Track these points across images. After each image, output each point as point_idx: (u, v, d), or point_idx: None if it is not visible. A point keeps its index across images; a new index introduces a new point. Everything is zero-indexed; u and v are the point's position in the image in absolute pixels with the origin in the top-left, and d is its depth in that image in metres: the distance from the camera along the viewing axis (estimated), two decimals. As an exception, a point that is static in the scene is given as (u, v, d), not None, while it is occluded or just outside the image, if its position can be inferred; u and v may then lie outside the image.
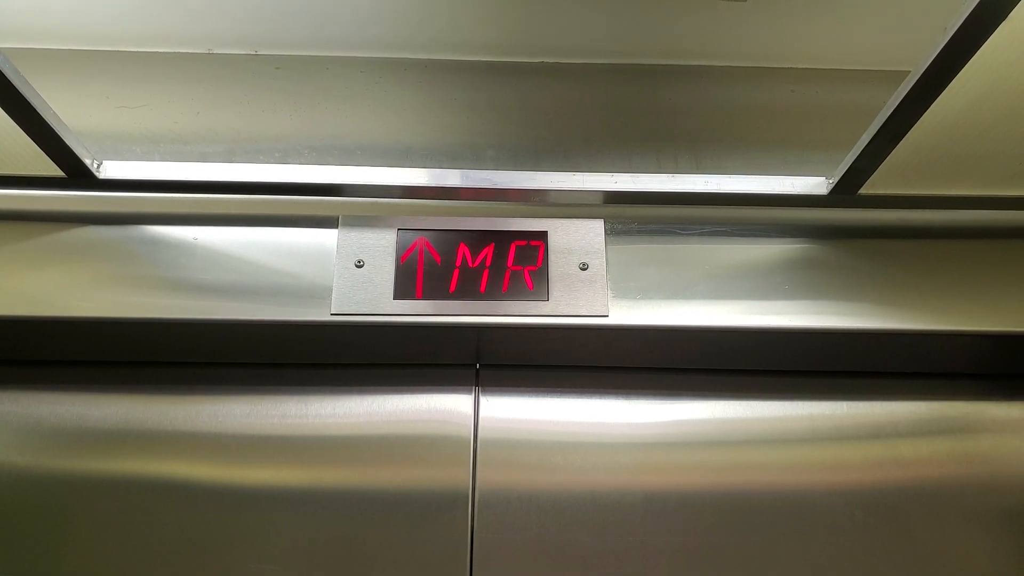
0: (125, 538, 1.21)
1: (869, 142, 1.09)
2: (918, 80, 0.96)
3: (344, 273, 1.21)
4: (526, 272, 1.23)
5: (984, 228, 1.29)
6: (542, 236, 1.26)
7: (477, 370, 1.35)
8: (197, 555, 1.21)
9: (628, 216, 1.29)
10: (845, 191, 1.23)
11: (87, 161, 1.18)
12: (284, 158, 1.34)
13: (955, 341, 1.26)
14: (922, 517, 1.28)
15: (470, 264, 1.23)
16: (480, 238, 1.25)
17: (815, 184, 1.26)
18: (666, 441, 1.32)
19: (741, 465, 1.31)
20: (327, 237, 1.25)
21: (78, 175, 1.20)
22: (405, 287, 1.21)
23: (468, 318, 1.20)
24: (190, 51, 1.48)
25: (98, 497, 1.24)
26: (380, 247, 1.24)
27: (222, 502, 1.24)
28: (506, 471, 1.28)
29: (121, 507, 1.23)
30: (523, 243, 1.25)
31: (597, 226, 1.27)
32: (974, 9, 0.84)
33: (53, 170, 1.18)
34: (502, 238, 1.25)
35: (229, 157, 1.33)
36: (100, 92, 1.41)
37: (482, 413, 1.32)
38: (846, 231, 1.29)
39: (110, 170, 1.23)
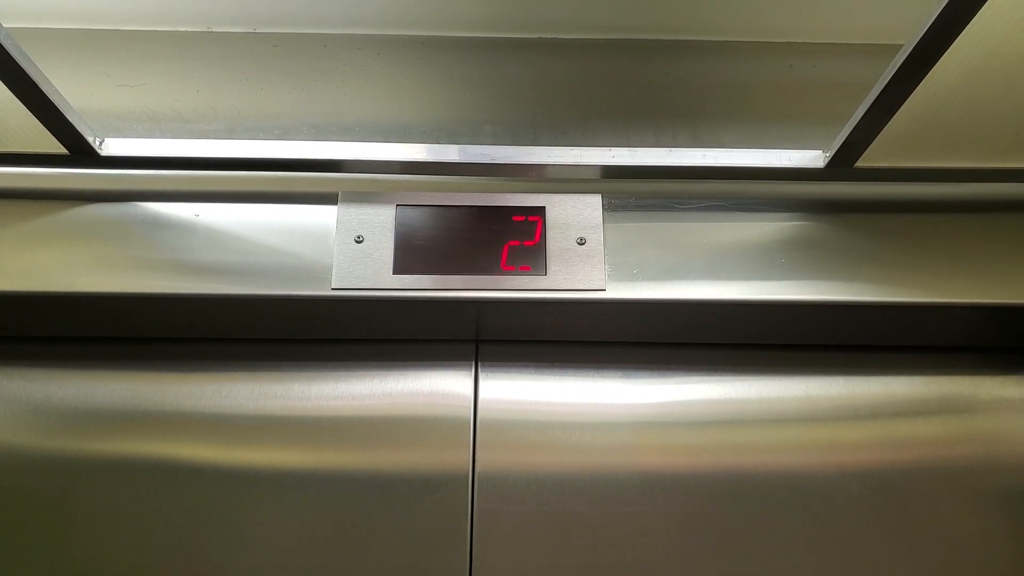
0: (126, 516, 1.24)
1: (864, 115, 1.09)
2: (911, 52, 0.96)
3: (344, 248, 1.23)
4: (524, 246, 1.24)
5: (979, 201, 1.29)
6: (540, 211, 1.26)
7: (477, 345, 1.37)
8: (198, 533, 1.23)
9: (626, 191, 1.29)
10: (841, 164, 1.23)
11: (89, 138, 1.19)
12: (284, 135, 1.34)
13: (952, 313, 1.27)
14: (920, 494, 1.29)
15: (468, 239, 1.24)
16: (478, 213, 1.26)
17: (812, 157, 1.26)
18: (664, 419, 1.33)
19: (738, 441, 1.32)
20: (327, 213, 1.25)
21: (81, 152, 1.21)
22: (404, 262, 1.22)
23: (467, 292, 1.21)
24: (189, 29, 1.49)
25: (100, 475, 1.26)
26: (379, 223, 1.25)
27: (223, 481, 1.26)
28: (506, 446, 1.29)
29: (123, 485, 1.25)
30: (521, 218, 1.26)
31: (595, 201, 1.28)
32: (966, -20, 0.85)
33: (56, 147, 1.19)
34: (500, 213, 1.26)
35: (229, 134, 1.34)
36: (101, 71, 1.42)
37: (481, 388, 1.33)
38: (843, 205, 1.29)
39: (112, 147, 1.24)
